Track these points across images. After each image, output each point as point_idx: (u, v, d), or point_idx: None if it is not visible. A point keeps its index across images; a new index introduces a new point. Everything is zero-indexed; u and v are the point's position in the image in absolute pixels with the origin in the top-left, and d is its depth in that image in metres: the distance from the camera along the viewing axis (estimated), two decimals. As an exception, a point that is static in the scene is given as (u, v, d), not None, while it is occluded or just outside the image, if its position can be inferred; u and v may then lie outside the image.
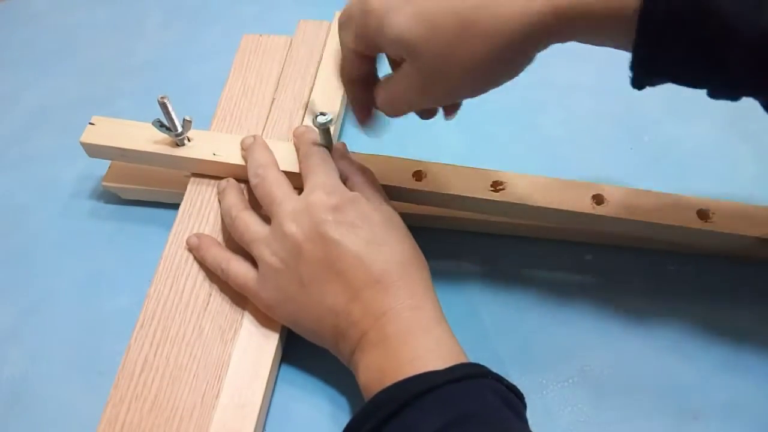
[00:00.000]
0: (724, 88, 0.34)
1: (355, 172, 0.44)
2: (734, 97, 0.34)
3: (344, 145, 0.46)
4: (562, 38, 0.34)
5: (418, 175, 0.46)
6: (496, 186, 0.45)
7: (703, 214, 0.44)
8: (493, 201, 0.45)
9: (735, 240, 0.44)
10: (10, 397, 0.44)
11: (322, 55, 0.56)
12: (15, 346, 0.46)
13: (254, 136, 0.47)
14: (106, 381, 0.41)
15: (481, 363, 0.44)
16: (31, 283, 0.49)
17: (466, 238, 0.49)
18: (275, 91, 0.54)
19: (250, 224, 0.43)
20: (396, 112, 0.39)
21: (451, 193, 0.45)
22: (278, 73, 0.55)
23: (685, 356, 0.44)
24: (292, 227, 0.40)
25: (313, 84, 0.54)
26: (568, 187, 0.44)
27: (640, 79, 0.34)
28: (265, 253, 0.41)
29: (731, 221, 0.43)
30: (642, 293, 0.47)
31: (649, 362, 0.44)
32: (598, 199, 0.44)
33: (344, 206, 0.40)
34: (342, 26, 0.38)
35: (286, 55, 0.56)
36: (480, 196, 0.45)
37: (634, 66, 0.33)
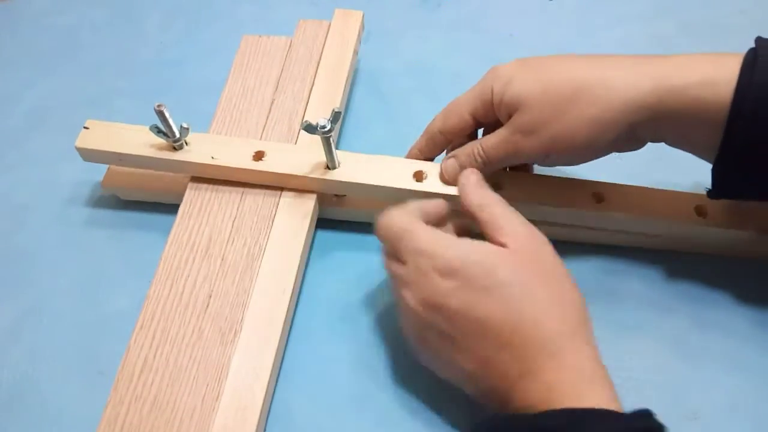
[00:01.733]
0: None
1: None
2: None
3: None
4: (656, 124, 0.37)
5: (419, 176, 0.46)
6: (496, 187, 0.45)
7: (701, 210, 0.44)
8: None
9: (732, 235, 0.44)
10: (10, 397, 0.44)
11: (321, 54, 0.56)
12: (15, 346, 0.46)
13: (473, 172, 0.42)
14: (106, 381, 0.41)
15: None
16: (31, 283, 0.49)
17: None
18: (275, 91, 0.54)
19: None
20: (488, 166, 0.42)
21: (452, 193, 0.45)
22: (278, 73, 0.55)
23: (685, 356, 0.44)
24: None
25: (313, 84, 0.54)
26: (567, 185, 0.44)
27: (722, 185, 0.37)
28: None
29: (729, 216, 0.43)
30: (642, 293, 0.47)
31: (649, 362, 0.44)
32: (599, 197, 0.44)
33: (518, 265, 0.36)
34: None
35: (286, 56, 0.56)
36: None
37: (717, 169, 0.36)
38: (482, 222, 0.38)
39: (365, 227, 0.51)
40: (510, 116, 0.40)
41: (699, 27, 0.62)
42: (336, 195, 0.50)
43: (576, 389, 0.33)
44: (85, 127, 0.49)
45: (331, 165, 0.46)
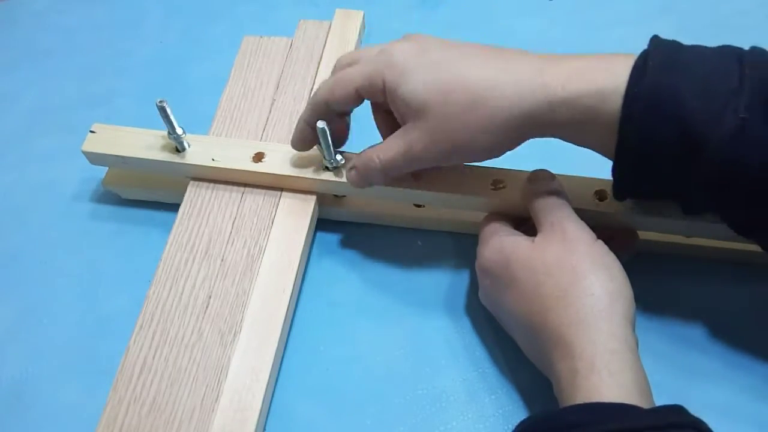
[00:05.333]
0: (693, 200, 0.37)
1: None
2: (702, 209, 0.38)
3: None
4: (551, 130, 0.38)
5: (417, 176, 0.45)
6: (497, 184, 0.45)
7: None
8: (494, 199, 0.44)
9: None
10: (10, 397, 0.44)
11: (322, 55, 0.56)
12: (15, 346, 0.47)
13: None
14: (106, 381, 0.41)
15: (488, 361, 0.44)
16: (31, 283, 0.50)
17: (467, 240, 0.49)
18: (275, 92, 0.54)
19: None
20: (387, 173, 0.42)
21: (451, 192, 0.45)
22: (278, 74, 0.55)
23: (684, 356, 0.44)
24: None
25: (313, 84, 0.54)
26: (570, 184, 0.44)
27: (622, 186, 0.38)
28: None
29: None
30: (640, 294, 0.46)
31: (648, 362, 0.44)
32: (601, 195, 0.44)
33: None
34: (352, 62, 0.42)
35: (287, 56, 0.56)
36: (480, 195, 0.45)
37: (615, 171, 0.37)
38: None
39: (365, 228, 0.51)
40: (404, 113, 0.40)
41: (699, 27, 0.62)
42: (335, 195, 0.50)
43: (588, 381, 0.34)
44: (91, 131, 0.49)
45: (328, 159, 0.46)
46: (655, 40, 0.36)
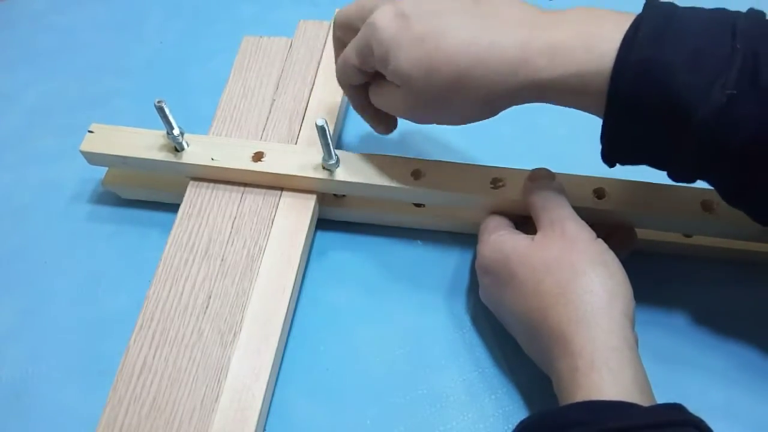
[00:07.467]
0: (680, 170, 0.37)
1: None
2: (690, 179, 0.37)
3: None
4: (538, 101, 0.38)
5: (417, 174, 0.46)
6: (496, 183, 0.45)
7: (707, 205, 0.44)
8: (494, 198, 0.44)
9: (739, 230, 0.44)
10: (10, 397, 0.44)
11: (322, 55, 0.56)
12: (15, 346, 0.47)
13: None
14: (106, 381, 0.41)
15: (488, 361, 0.44)
16: (31, 283, 0.49)
17: (467, 240, 0.49)
18: (275, 92, 0.54)
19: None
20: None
21: (451, 192, 0.45)
22: (278, 74, 0.55)
23: (683, 355, 0.44)
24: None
25: (313, 85, 0.54)
26: (568, 182, 0.44)
27: (610, 155, 0.38)
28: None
29: (735, 211, 0.43)
30: (640, 294, 0.46)
31: (647, 361, 0.44)
32: (600, 193, 0.44)
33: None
34: (346, 23, 0.43)
35: (286, 57, 0.56)
36: (480, 194, 0.45)
37: (603, 141, 0.37)
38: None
39: (365, 228, 0.51)
40: (393, 80, 0.40)
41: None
42: (335, 195, 0.50)
43: (588, 378, 0.34)
44: (89, 131, 0.49)
45: (327, 159, 0.46)
46: (650, 3, 0.35)
